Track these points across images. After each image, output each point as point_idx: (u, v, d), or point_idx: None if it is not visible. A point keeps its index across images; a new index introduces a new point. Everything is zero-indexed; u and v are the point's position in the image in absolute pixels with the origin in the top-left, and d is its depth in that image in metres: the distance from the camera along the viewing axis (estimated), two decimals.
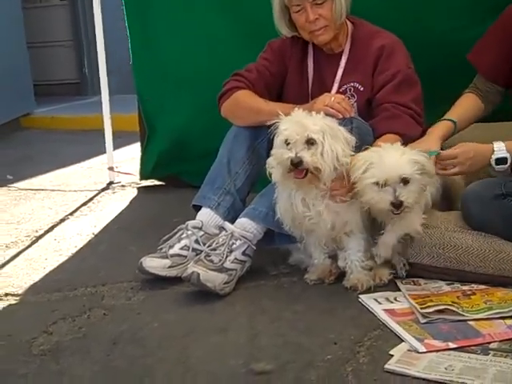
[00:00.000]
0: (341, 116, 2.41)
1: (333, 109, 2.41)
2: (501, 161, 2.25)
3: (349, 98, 2.64)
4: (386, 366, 1.77)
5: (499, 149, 2.24)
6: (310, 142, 2.20)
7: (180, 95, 3.67)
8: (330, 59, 2.70)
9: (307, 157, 2.18)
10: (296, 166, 2.18)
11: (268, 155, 2.64)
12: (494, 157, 2.25)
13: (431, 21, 3.10)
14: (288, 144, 2.21)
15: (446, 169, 2.29)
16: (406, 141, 2.42)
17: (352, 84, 2.66)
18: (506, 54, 2.47)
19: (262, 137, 2.67)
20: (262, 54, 2.82)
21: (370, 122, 2.54)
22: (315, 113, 2.30)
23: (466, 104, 2.56)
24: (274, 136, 2.28)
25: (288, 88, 2.80)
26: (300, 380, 1.78)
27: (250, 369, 1.85)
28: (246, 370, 1.85)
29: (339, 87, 2.68)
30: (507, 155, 2.24)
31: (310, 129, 2.19)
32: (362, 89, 2.64)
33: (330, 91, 2.65)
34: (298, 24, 2.63)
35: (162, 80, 3.74)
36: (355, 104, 2.65)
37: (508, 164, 2.24)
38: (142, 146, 3.96)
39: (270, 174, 2.31)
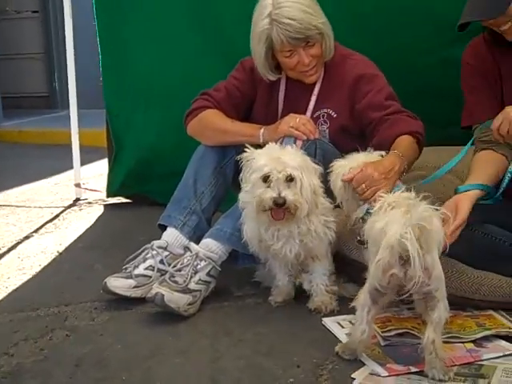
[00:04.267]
0: (305, 138, 2.44)
1: (298, 130, 2.44)
2: None
3: (321, 125, 2.65)
4: None
5: None
6: (289, 179, 2.18)
7: (149, 113, 3.69)
8: (303, 85, 2.69)
9: (290, 196, 2.16)
10: (279, 206, 2.17)
11: (234, 176, 2.68)
12: None
13: (402, 44, 3.16)
14: (267, 181, 2.18)
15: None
16: (419, 139, 2.44)
17: (325, 110, 2.66)
18: (494, 92, 2.43)
19: (228, 157, 2.68)
20: (233, 73, 2.82)
21: (374, 141, 2.48)
22: (287, 146, 2.31)
23: (484, 162, 2.35)
24: (240, 165, 2.26)
25: (257, 109, 2.80)
26: None
27: None
28: None
29: (312, 114, 2.67)
30: None
31: (290, 165, 2.18)
32: (335, 115, 2.64)
33: None
34: (288, 66, 2.61)
35: (132, 97, 3.76)
36: (327, 130, 2.65)
37: None
38: (109, 162, 3.95)
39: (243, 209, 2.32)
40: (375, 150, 2.40)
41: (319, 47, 2.59)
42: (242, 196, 2.30)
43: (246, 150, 2.28)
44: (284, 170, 2.16)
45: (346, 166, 2.22)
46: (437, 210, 1.83)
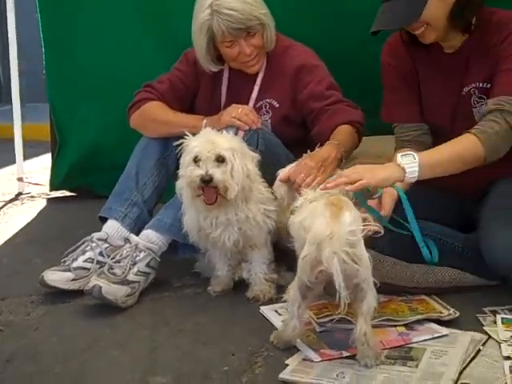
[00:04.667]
0: (247, 127, 2.44)
1: (240, 121, 2.45)
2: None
3: (264, 115, 2.67)
4: (281, 376, 1.80)
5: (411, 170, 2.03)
6: (220, 160, 2.18)
7: (92, 106, 3.66)
8: (246, 75, 2.71)
9: (218, 174, 2.16)
10: (206, 184, 2.16)
11: (176, 167, 2.67)
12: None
13: (341, 34, 3.18)
14: (197, 162, 2.18)
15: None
16: (358, 128, 2.48)
17: (268, 100, 2.69)
18: (413, 93, 2.47)
19: (170, 149, 2.66)
20: (177, 65, 2.82)
21: (314, 131, 2.55)
22: (224, 131, 2.33)
23: None
24: (181, 155, 2.25)
25: (200, 101, 2.81)
26: None
27: (146, 382, 1.83)
28: None
29: (255, 104, 2.69)
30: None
31: (220, 146, 2.18)
32: (277, 105, 2.67)
33: None
34: (230, 57, 2.62)
35: (75, 91, 3.71)
36: (269, 120, 2.68)
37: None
38: (52, 156, 3.90)
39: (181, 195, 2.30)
40: (316, 139, 2.46)
41: (260, 37, 2.60)
42: (178, 183, 2.29)
43: (185, 137, 2.27)
44: (213, 149, 2.16)
45: None
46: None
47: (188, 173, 2.18)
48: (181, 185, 2.25)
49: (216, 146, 2.17)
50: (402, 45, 2.44)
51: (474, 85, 2.31)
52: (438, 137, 2.35)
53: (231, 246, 2.33)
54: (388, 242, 2.18)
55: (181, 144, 2.25)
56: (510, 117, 2.11)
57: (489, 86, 2.27)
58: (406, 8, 2.19)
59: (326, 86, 2.61)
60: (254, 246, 2.36)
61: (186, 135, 2.27)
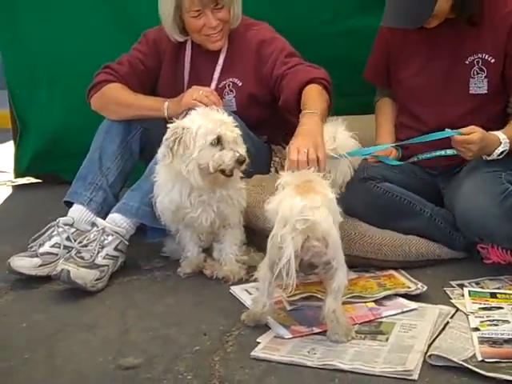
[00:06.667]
0: None
1: (201, 102, 2.43)
2: (501, 153, 2.27)
3: (228, 94, 2.67)
4: (252, 353, 1.81)
5: (505, 142, 2.25)
6: (235, 140, 2.22)
7: (52, 90, 3.58)
8: (208, 55, 2.70)
9: (244, 153, 2.21)
10: (240, 164, 2.19)
11: (141, 150, 2.66)
12: (500, 149, 2.26)
13: (301, 14, 3.19)
14: (217, 144, 2.17)
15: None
16: (324, 84, 2.46)
17: (231, 80, 2.68)
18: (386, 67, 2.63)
19: (134, 131, 2.66)
20: (137, 45, 2.79)
21: (281, 100, 2.56)
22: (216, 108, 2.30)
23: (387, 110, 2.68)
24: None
25: (162, 82, 2.79)
26: (168, 372, 1.78)
27: (118, 364, 1.82)
28: (115, 365, 1.82)
29: (218, 84, 2.69)
30: (507, 148, 2.27)
31: (231, 125, 2.21)
32: (240, 84, 2.67)
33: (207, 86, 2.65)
34: (194, 28, 2.60)
35: (34, 76, 3.63)
36: (233, 99, 2.67)
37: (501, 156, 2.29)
38: (15, 143, 3.83)
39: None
40: (283, 107, 2.51)
41: (227, 12, 2.59)
42: (176, 165, 2.21)
43: (171, 122, 2.24)
44: (233, 131, 2.20)
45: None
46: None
47: (217, 156, 2.17)
48: (187, 166, 2.19)
49: (231, 127, 2.20)
50: None
51: (480, 55, 2.38)
52: (424, 103, 2.45)
53: (207, 227, 2.33)
54: (366, 198, 2.29)
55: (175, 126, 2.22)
56: None
57: (493, 60, 2.36)
58: (418, 6, 2.26)
59: (286, 54, 2.62)
60: (228, 225, 2.37)
61: (171, 120, 2.25)
